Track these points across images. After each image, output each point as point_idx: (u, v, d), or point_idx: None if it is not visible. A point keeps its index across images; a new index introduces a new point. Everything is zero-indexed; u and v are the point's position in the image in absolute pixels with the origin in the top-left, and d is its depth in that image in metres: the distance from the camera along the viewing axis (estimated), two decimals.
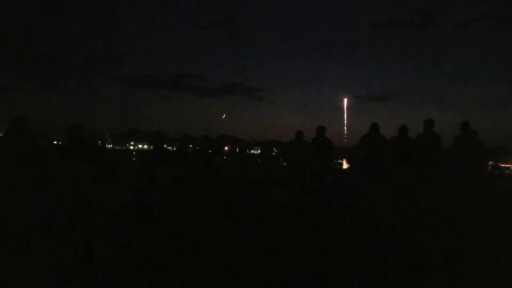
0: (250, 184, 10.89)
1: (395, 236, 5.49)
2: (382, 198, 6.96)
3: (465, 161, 8.27)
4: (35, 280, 3.54)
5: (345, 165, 9.89)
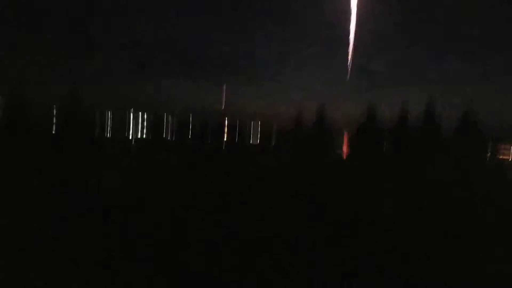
0: (250, 171, 10.88)
1: (395, 220, 5.47)
2: (380, 182, 6.94)
3: (465, 149, 8.26)
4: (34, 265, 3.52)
5: (345, 150, 9.89)
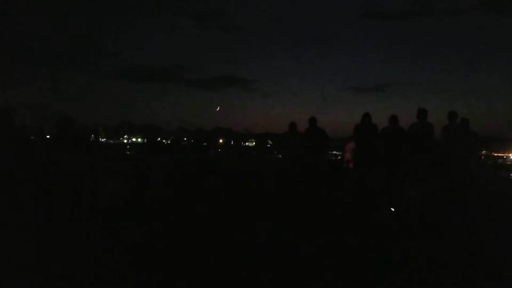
0: (245, 176, 10.93)
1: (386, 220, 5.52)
2: (374, 183, 7.00)
3: (455, 150, 8.29)
4: (29, 272, 3.54)
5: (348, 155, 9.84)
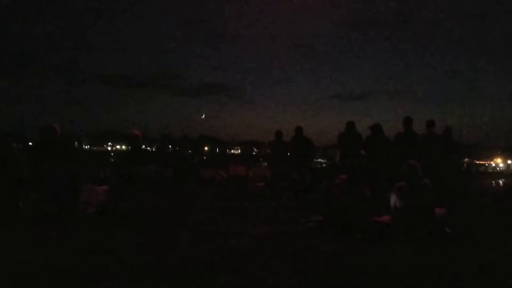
0: (232, 183, 10.93)
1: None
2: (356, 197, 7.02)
3: (433, 158, 8.26)
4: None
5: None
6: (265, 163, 15.00)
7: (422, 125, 9.00)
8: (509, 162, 64.68)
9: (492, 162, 64.00)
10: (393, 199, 5.61)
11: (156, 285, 3.42)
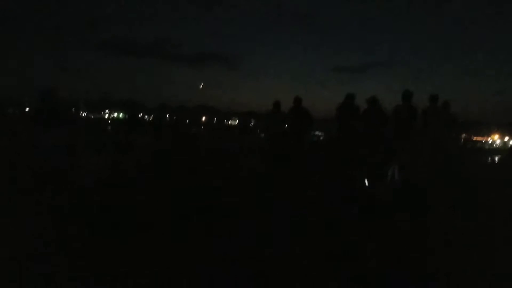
0: (228, 154, 10.94)
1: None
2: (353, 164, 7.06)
3: (435, 133, 8.35)
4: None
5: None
6: (263, 134, 14.94)
7: (422, 100, 8.97)
8: (505, 139, 64.93)
9: (489, 139, 64.23)
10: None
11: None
